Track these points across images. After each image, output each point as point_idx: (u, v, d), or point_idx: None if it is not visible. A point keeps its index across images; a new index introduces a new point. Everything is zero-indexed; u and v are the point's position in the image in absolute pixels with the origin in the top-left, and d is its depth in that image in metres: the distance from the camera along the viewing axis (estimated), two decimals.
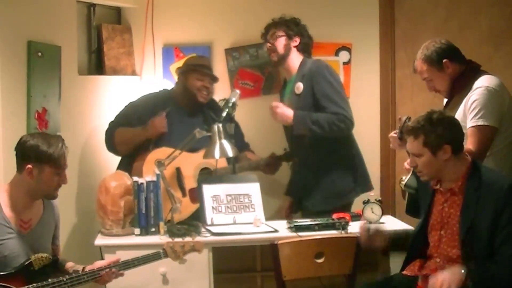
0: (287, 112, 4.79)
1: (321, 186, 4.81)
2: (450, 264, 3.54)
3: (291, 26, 4.96)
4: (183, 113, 4.83)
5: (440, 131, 3.49)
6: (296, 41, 4.94)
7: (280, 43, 4.92)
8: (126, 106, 4.90)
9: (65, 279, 3.36)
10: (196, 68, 4.81)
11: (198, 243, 3.79)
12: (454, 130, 3.54)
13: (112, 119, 4.88)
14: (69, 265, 3.68)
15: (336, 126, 4.67)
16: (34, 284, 3.30)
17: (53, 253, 3.67)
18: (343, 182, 4.84)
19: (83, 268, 3.57)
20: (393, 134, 4.14)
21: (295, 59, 4.93)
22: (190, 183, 4.62)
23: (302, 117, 4.74)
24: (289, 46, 4.93)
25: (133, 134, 4.72)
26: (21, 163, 3.50)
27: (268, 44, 4.98)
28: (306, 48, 5.00)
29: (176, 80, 5.00)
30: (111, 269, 3.53)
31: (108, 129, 4.85)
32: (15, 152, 3.55)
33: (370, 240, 3.77)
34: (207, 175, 4.66)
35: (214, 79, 4.88)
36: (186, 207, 4.52)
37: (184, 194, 4.49)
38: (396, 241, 3.86)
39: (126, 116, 4.83)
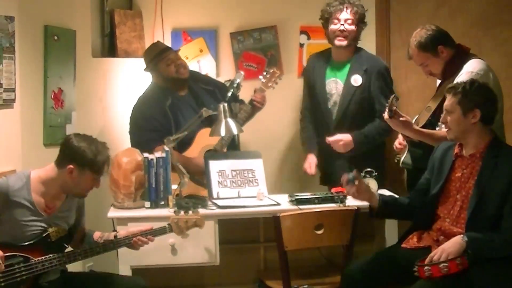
0: (347, 139, 4.67)
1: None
2: (459, 226, 3.51)
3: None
4: (182, 98, 4.74)
5: (475, 95, 3.50)
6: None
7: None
8: (134, 116, 4.69)
9: (99, 246, 3.57)
10: (157, 56, 4.68)
11: (200, 219, 3.80)
12: (489, 102, 3.54)
13: (133, 129, 4.68)
14: (97, 234, 3.74)
15: (385, 132, 4.66)
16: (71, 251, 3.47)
17: (80, 233, 3.73)
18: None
19: (115, 235, 3.66)
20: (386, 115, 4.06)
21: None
22: None
23: (360, 141, 4.68)
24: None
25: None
26: (64, 161, 3.46)
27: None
28: None
29: (152, 77, 4.80)
30: (142, 236, 3.65)
31: (144, 143, 4.49)
32: (59, 148, 3.50)
33: (354, 189, 3.68)
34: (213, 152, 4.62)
35: (176, 52, 4.75)
36: (192, 189, 4.45)
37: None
38: (385, 204, 3.79)
39: (144, 120, 4.62)
